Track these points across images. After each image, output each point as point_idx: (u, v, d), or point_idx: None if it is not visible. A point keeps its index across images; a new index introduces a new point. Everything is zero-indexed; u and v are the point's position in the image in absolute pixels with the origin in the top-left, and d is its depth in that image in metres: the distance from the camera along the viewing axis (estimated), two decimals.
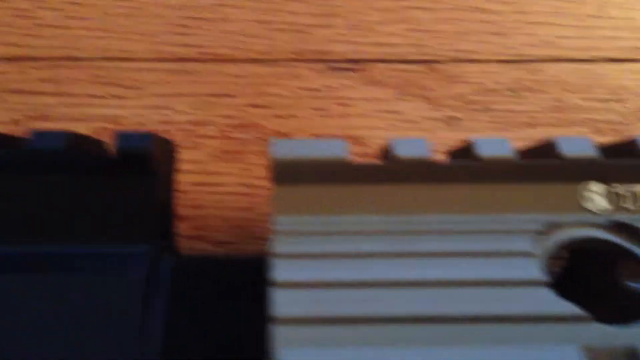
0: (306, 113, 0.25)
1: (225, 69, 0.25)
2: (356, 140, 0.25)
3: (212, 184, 0.25)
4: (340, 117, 0.25)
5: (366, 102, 0.25)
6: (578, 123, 0.25)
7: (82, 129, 0.25)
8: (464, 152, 0.17)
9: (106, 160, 0.16)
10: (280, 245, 0.15)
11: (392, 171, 0.16)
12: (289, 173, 0.16)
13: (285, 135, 0.25)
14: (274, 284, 0.15)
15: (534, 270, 0.15)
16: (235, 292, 0.17)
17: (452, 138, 0.25)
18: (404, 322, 0.14)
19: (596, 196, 0.16)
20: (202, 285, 0.17)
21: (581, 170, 0.16)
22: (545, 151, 0.17)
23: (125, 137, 0.16)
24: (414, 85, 0.25)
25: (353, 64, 0.25)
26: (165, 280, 0.17)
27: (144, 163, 0.16)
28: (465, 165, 0.16)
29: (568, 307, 0.14)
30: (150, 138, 0.16)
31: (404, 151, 0.16)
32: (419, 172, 0.16)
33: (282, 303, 0.14)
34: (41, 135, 0.16)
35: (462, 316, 0.14)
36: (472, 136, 0.17)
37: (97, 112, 0.25)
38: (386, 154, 0.17)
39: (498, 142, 0.17)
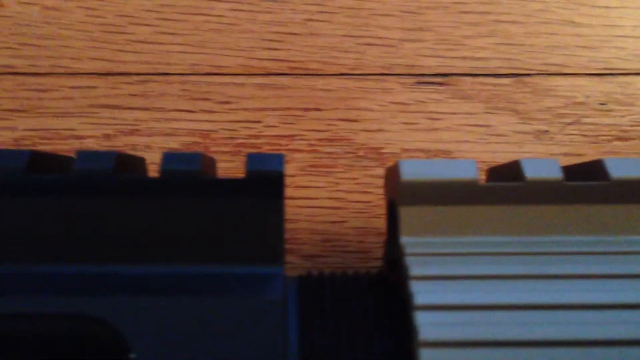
0: (395, 127, 0.25)
1: (314, 83, 0.25)
2: (446, 154, 0.25)
3: (302, 198, 0.25)
4: (430, 131, 0.25)
5: (455, 116, 0.25)
6: None
7: (172, 143, 0.25)
8: (588, 171, 0.17)
9: (237, 182, 0.16)
10: (417, 268, 0.15)
11: (523, 192, 0.16)
12: (417, 194, 0.16)
13: (374, 149, 0.25)
14: (416, 307, 0.15)
15: None
16: (358, 310, 0.17)
17: (542, 152, 0.25)
18: (550, 345, 0.14)
19: None
20: (323, 303, 0.17)
21: None
22: None
23: (257, 160, 0.16)
24: (503, 99, 0.25)
25: (442, 77, 0.25)
26: (294, 300, 0.17)
27: (276, 185, 0.16)
28: (595, 185, 0.16)
29: None
30: (281, 160, 0.16)
31: (534, 172, 0.16)
32: (550, 193, 0.16)
33: (427, 326, 0.14)
34: (174, 156, 0.16)
35: (608, 340, 0.14)
36: (604, 157, 0.17)
37: (188, 127, 0.25)
38: (515, 174, 0.17)
39: (627, 161, 0.17)
